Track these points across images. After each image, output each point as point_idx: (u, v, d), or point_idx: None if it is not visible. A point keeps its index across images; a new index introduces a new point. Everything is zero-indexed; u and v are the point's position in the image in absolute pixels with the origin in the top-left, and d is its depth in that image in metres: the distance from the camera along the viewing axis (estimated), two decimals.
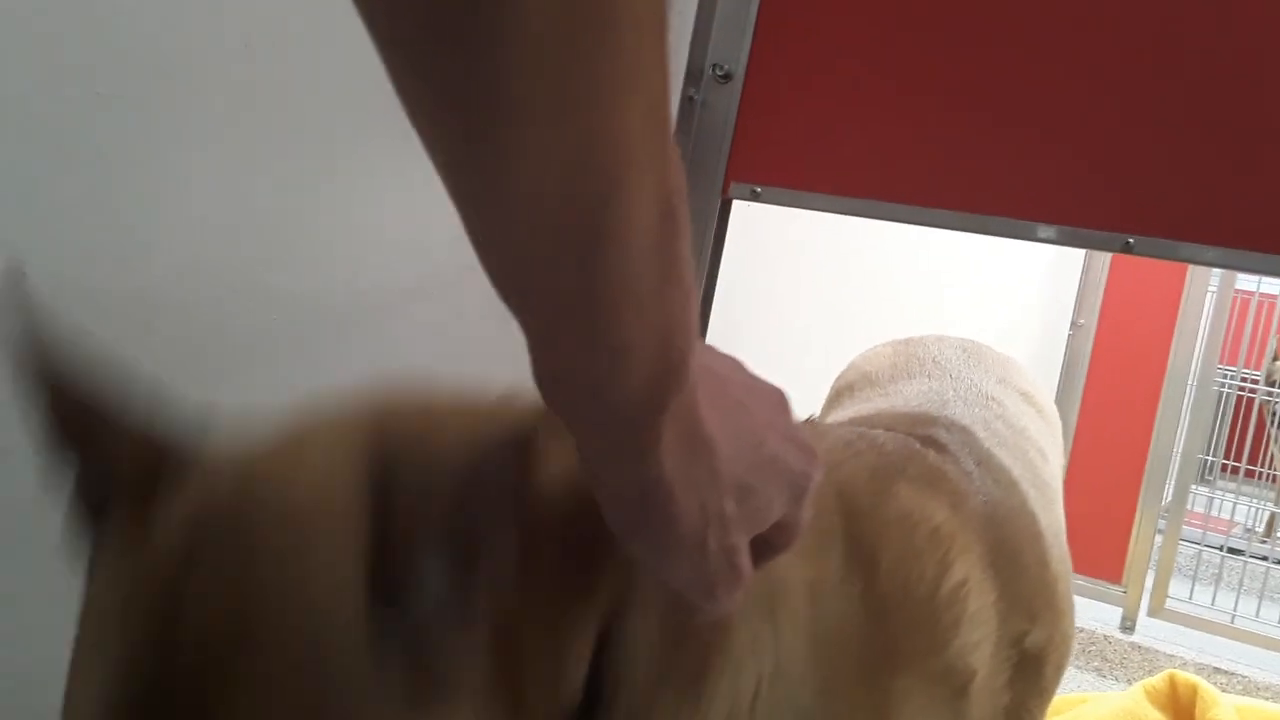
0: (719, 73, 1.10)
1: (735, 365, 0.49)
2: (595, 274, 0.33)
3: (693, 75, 1.11)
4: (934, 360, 1.00)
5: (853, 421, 0.87)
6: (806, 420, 0.74)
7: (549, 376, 0.37)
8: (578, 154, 0.30)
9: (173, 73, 0.63)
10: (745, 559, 0.43)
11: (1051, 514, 0.87)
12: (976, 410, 0.88)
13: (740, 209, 1.14)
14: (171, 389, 0.66)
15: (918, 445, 0.74)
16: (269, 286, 0.72)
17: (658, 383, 0.37)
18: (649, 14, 0.30)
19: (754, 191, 1.09)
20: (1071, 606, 0.80)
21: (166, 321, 0.65)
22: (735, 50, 1.10)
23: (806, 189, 1.06)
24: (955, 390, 0.92)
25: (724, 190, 1.11)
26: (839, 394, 1.09)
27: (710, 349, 0.47)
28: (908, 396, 0.93)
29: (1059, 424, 1.11)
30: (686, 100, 1.11)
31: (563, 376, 0.37)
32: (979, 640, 0.62)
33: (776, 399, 0.49)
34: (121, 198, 0.62)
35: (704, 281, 1.14)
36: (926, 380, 0.96)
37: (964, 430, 0.81)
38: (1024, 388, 1.03)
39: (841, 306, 1.64)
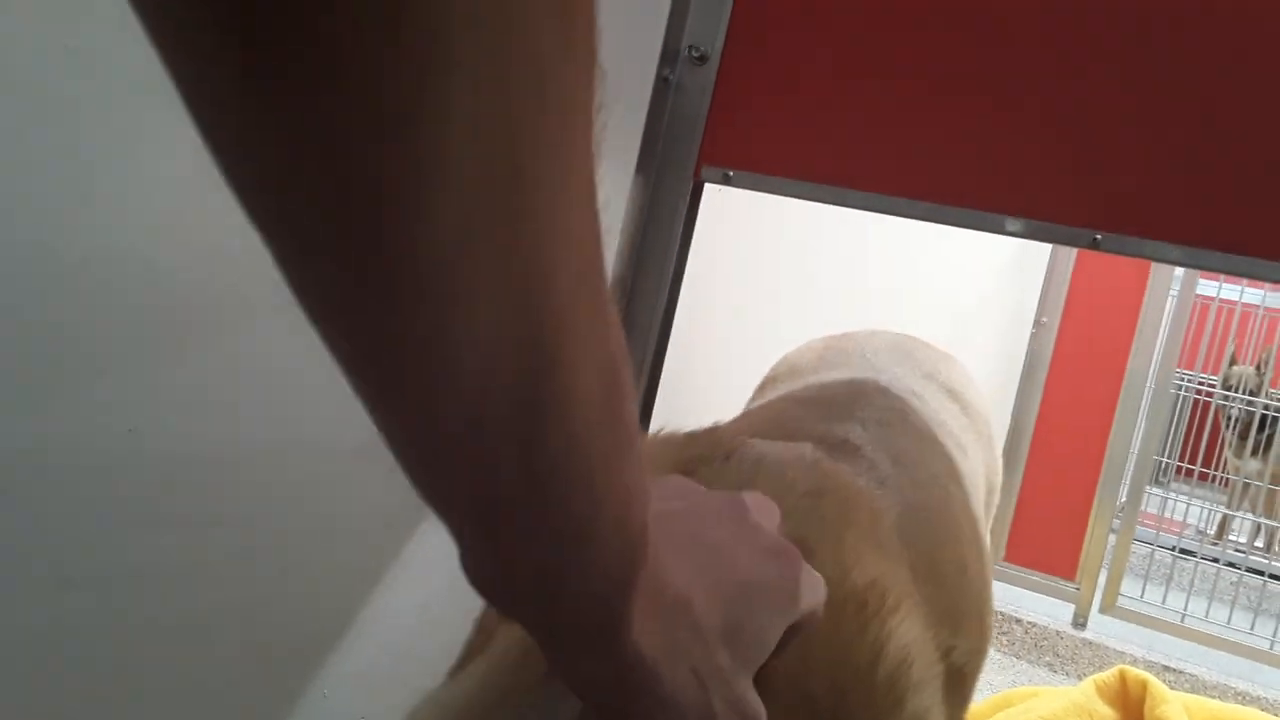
0: (694, 54, 1.09)
1: (679, 489, 0.47)
2: (539, 460, 0.30)
3: (668, 56, 1.11)
4: (861, 354, 1.01)
5: (765, 408, 0.86)
6: (709, 428, 0.68)
7: (493, 577, 0.34)
8: (510, 331, 0.27)
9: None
10: (755, 700, 0.41)
11: (969, 510, 0.83)
12: (895, 404, 0.86)
13: (711, 193, 1.13)
14: (141, 353, 0.65)
15: (825, 459, 0.66)
16: (243, 249, 0.71)
17: (621, 560, 0.34)
18: (577, 176, 0.27)
19: (726, 175, 1.08)
20: (990, 608, 0.77)
21: (136, 284, 0.64)
22: (711, 32, 1.09)
23: (778, 174, 1.05)
24: (876, 383, 0.91)
25: (696, 173, 1.10)
26: (764, 386, 1.09)
27: (653, 482, 0.42)
28: (827, 386, 0.92)
29: (989, 422, 1.10)
30: (661, 81, 1.11)
31: (510, 575, 0.33)
32: (927, 702, 0.56)
33: (732, 510, 0.46)
34: (91, 155, 0.61)
35: (673, 265, 1.13)
36: (850, 372, 0.95)
37: (880, 425, 0.79)
38: (952, 384, 1.03)
39: (808, 295, 1.64)
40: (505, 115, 0.24)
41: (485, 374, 0.27)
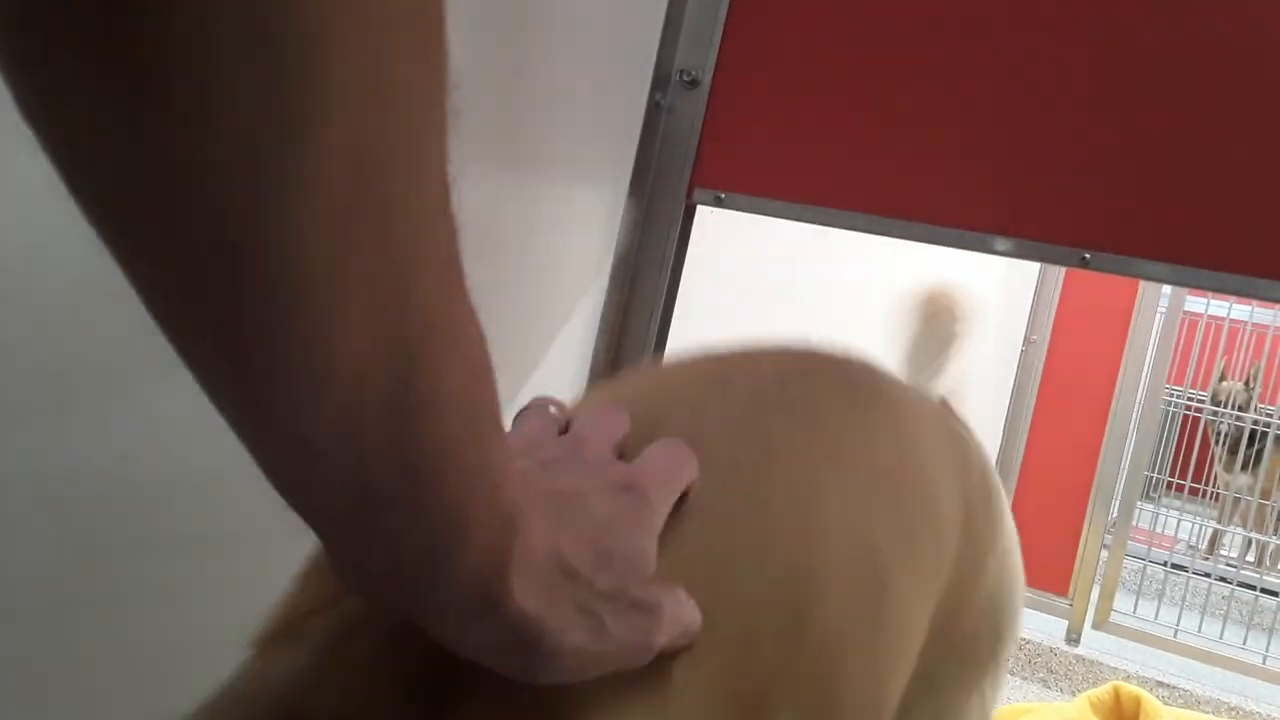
0: (686, 78, 1.11)
1: (523, 445, 0.47)
2: (411, 455, 0.30)
3: (660, 80, 1.12)
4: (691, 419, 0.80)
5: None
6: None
7: (369, 574, 0.35)
8: (380, 334, 0.28)
9: None
10: (654, 592, 0.41)
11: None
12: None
13: (703, 215, 1.14)
14: (141, 365, 0.65)
15: None
16: None
17: (496, 538, 0.35)
18: (435, 179, 0.29)
19: (718, 198, 1.09)
20: None
21: (126, 306, 0.65)
22: (702, 57, 1.10)
23: (769, 196, 1.06)
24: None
25: (688, 196, 1.11)
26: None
27: None
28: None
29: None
30: (653, 105, 1.12)
31: (388, 571, 0.34)
32: None
33: (572, 455, 0.46)
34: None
35: (665, 288, 1.14)
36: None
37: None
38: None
39: (800, 316, 1.65)
40: (372, 133, 0.25)
41: (356, 378, 0.28)
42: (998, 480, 0.79)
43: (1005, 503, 0.79)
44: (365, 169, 0.25)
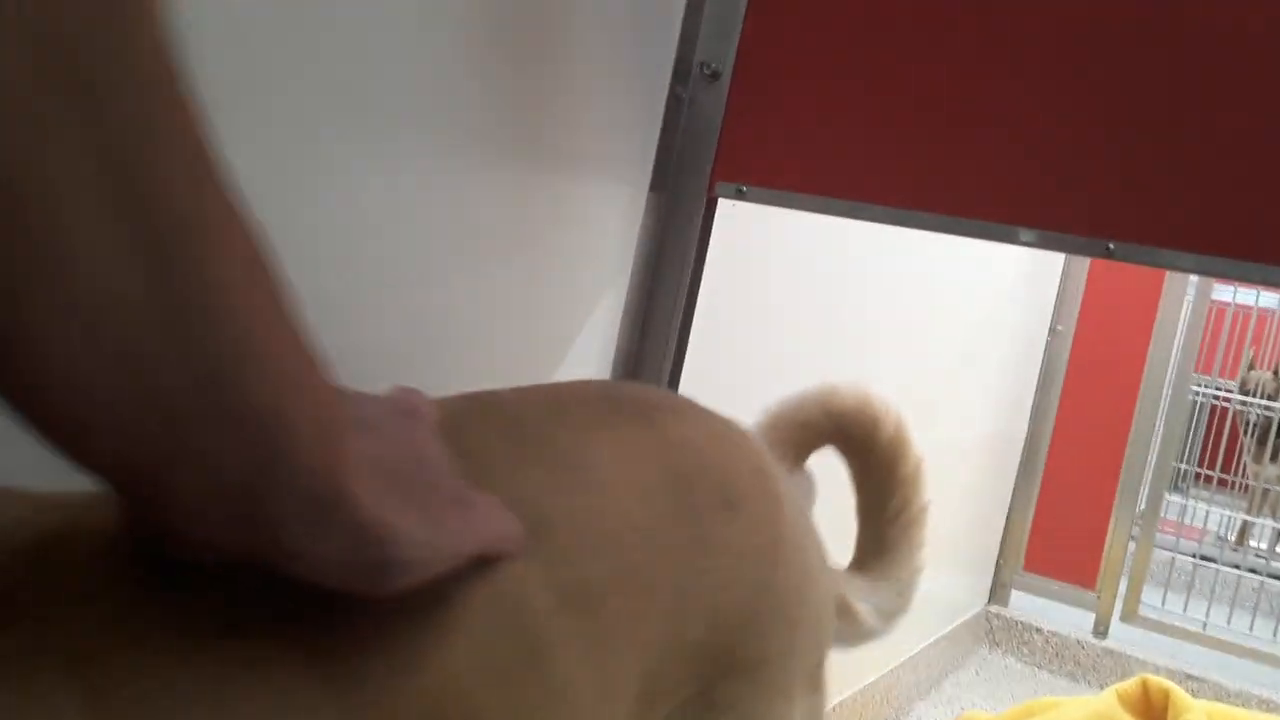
0: (706, 71, 1.10)
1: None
2: (196, 358, 0.30)
3: (680, 73, 1.12)
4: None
5: None
6: None
7: (193, 509, 0.33)
8: (117, 231, 0.27)
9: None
10: (465, 488, 0.44)
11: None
12: None
13: (725, 208, 1.14)
14: None
15: None
16: None
17: (323, 435, 0.35)
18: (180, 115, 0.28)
19: (740, 191, 1.09)
20: None
21: None
22: (723, 49, 1.10)
23: (791, 189, 1.06)
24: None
25: (709, 189, 1.11)
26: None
27: None
28: None
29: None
30: (674, 98, 1.12)
31: (207, 491, 0.33)
32: None
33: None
34: None
35: (689, 281, 1.14)
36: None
37: None
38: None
39: (824, 309, 1.65)
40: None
41: (109, 282, 0.27)
42: (753, 471, 0.74)
43: (768, 492, 0.74)
44: (51, 46, 0.25)
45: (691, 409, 0.75)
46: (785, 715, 0.73)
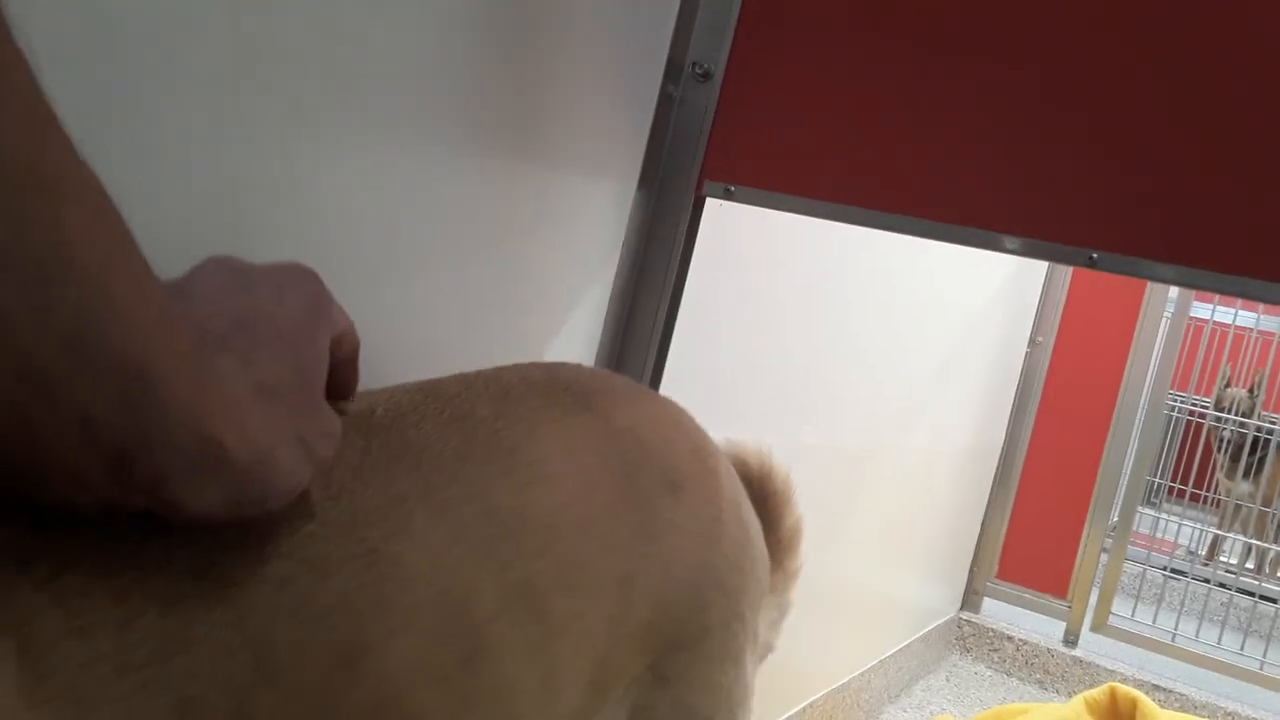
0: (698, 71, 1.11)
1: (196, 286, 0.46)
2: (57, 315, 0.30)
3: (672, 72, 1.12)
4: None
5: None
6: None
7: (75, 465, 0.33)
8: None
9: (156, 32, 0.63)
10: (331, 417, 0.44)
11: None
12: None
13: (712, 208, 1.15)
14: None
15: None
16: (242, 253, 0.72)
17: (192, 378, 0.35)
18: None
19: (727, 190, 1.10)
20: None
21: None
22: (715, 50, 1.11)
23: (779, 190, 1.07)
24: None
25: (697, 188, 1.12)
26: None
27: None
28: None
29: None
30: (665, 97, 1.12)
31: (80, 443, 0.33)
32: None
33: (241, 284, 0.47)
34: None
35: (674, 280, 1.14)
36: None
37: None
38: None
39: (807, 311, 1.65)
40: None
41: None
42: (693, 451, 0.76)
43: (707, 470, 0.77)
44: None
45: (631, 390, 0.77)
46: (736, 679, 0.76)
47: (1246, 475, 3.95)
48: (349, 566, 0.47)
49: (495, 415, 0.63)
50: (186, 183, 0.67)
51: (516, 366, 0.74)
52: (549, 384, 0.71)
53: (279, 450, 0.40)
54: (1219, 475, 4.16)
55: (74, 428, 0.32)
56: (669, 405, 0.80)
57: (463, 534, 0.54)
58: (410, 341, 0.88)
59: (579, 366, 0.78)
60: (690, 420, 0.80)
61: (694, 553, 0.71)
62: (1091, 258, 0.94)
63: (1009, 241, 0.97)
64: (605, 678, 0.64)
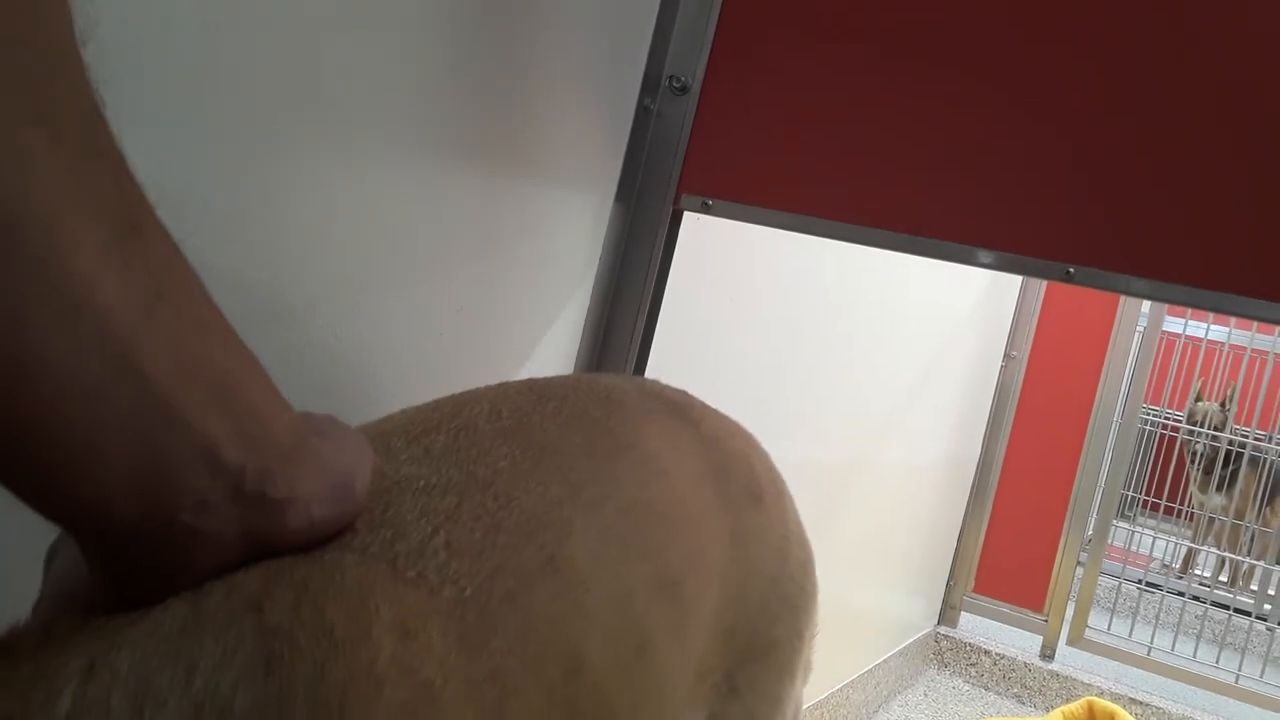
0: (675, 84, 1.11)
1: None
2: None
3: (649, 85, 1.12)
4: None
5: None
6: None
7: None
8: None
9: (135, 44, 0.62)
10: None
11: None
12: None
13: (690, 221, 1.14)
14: None
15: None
16: (217, 270, 0.71)
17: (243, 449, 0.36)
18: None
19: (705, 204, 1.10)
20: None
21: None
22: (692, 63, 1.11)
23: (756, 204, 1.07)
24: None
25: (675, 201, 1.11)
26: None
27: None
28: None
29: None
30: (642, 110, 1.12)
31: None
32: None
33: None
34: None
35: (651, 293, 1.14)
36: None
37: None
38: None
39: (783, 326, 1.65)
40: None
41: None
42: (766, 467, 0.80)
43: (778, 487, 0.80)
44: None
45: (707, 406, 0.80)
46: (790, 695, 0.79)
47: (1220, 488, 3.98)
48: (544, 575, 0.48)
49: (606, 415, 0.65)
50: (161, 196, 0.66)
51: (600, 374, 0.78)
52: (639, 391, 0.74)
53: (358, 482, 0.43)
54: (1192, 489, 4.19)
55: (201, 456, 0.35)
56: (742, 426, 0.83)
57: (610, 531, 0.55)
58: (386, 355, 0.88)
59: (655, 380, 0.81)
60: (759, 443, 0.83)
61: (769, 565, 0.74)
62: (1068, 272, 0.94)
63: (985, 256, 0.98)
64: (703, 670, 0.66)
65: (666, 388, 0.79)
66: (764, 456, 0.81)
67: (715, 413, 0.80)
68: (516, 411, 0.60)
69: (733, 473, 0.73)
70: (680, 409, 0.75)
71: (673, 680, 0.57)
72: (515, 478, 0.53)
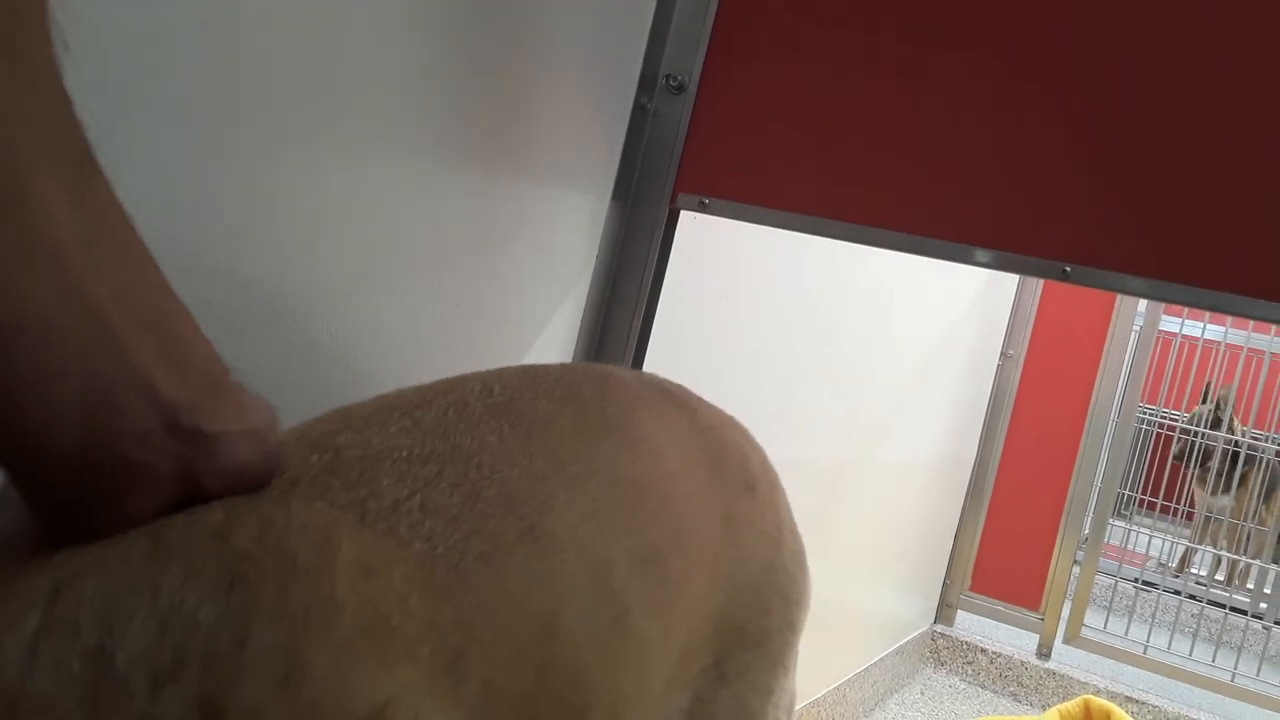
0: (672, 83, 1.11)
1: None
2: None
3: (645, 84, 1.12)
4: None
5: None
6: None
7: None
8: None
9: (132, 44, 0.62)
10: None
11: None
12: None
13: (686, 221, 1.14)
14: None
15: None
16: (212, 269, 0.71)
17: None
18: None
19: (702, 203, 1.10)
20: None
21: None
22: (689, 62, 1.11)
23: (753, 203, 1.07)
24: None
25: (672, 200, 1.11)
26: None
27: None
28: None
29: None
30: (639, 109, 1.12)
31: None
32: None
33: None
34: None
35: (647, 292, 1.14)
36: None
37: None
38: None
39: (779, 325, 1.65)
40: None
41: None
42: (761, 460, 0.81)
43: (772, 480, 0.81)
44: None
45: (703, 401, 0.81)
46: (782, 687, 0.79)
47: (1227, 490, 3.97)
48: (522, 543, 0.50)
49: (600, 396, 0.67)
50: (159, 196, 0.66)
51: (597, 364, 0.80)
52: (636, 379, 0.76)
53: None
54: (1194, 488, 4.19)
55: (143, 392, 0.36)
56: (737, 420, 0.84)
57: (595, 505, 0.57)
58: (384, 352, 0.88)
59: (654, 374, 0.82)
60: (753, 437, 0.84)
61: (763, 554, 0.75)
62: (1065, 270, 0.94)
63: (981, 254, 0.98)
64: (688, 653, 0.66)
65: (666, 381, 0.80)
66: (758, 449, 0.82)
67: (711, 405, 0.81)
68: (509, 389, 0.61)
69: (727, 461, 0.74)
70: (677, 397, 0.77)
71: (654, 654, 0.58)
72: (501, 451, 0.54)
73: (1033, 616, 3.10)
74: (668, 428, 0.70)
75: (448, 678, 0.41)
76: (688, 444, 0.71)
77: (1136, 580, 3.48)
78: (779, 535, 0.78)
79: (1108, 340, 3.06)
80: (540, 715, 0.47)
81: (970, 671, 3.04)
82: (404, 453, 0.50)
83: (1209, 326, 3.55)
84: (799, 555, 0.81)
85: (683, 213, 1.13)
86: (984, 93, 0.98)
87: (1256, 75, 0.88)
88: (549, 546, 0.51)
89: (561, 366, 0.71)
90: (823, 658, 2.19)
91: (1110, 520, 3.23)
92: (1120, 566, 3.51)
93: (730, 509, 0.72)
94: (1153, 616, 3.21)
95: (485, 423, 0.55)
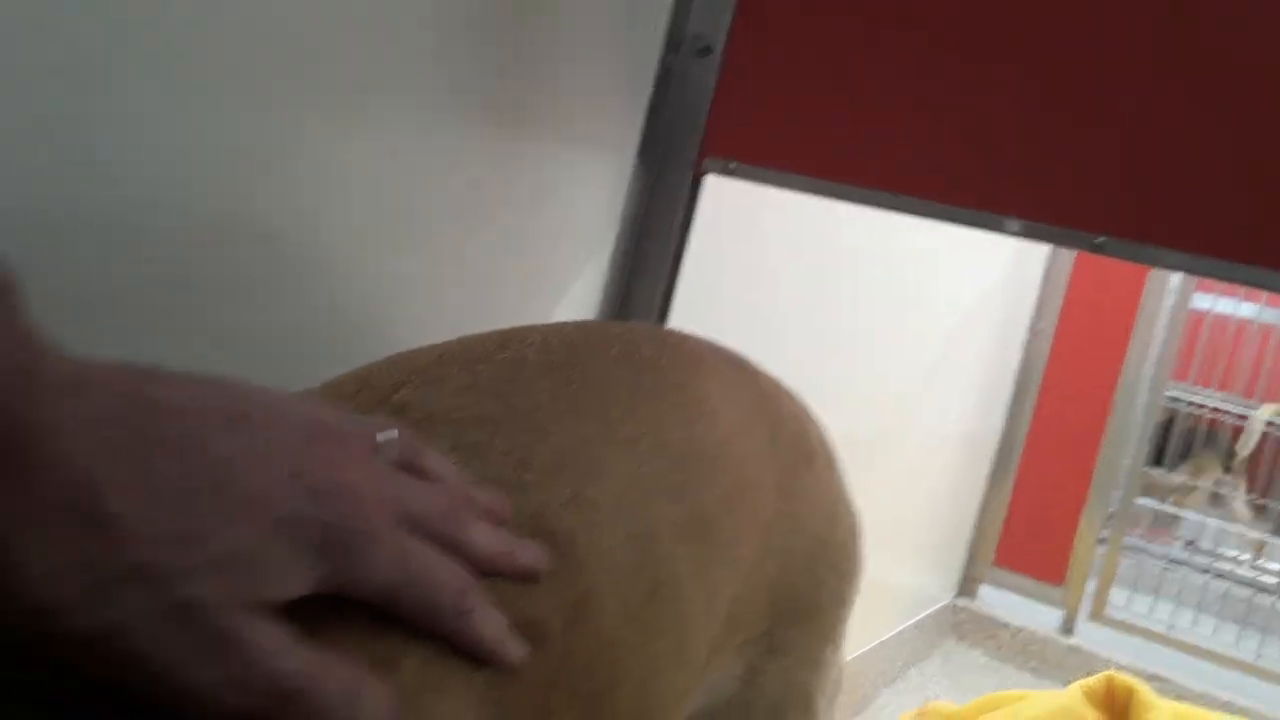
0: (698, 45, 1.09)
1: (235, 393, 0.38)
2: None
3: (672, 45, 1.10)
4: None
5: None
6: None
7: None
8: None
9: (125, 6, 0.62)
10: (255, 634, 0.33)
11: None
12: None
13: (712, 185, 1.13)
14: (133, 320, 0.65)
15: None
16: (225, 239, 0.71)
17: None
18: None
19: (728, 167, 1.08)
20: None
21: (128, 250, 0.64)
22: (716, 23, 1.09)
23: (781, 168, 1.05)
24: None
25: (697, 164, 1.10)
26: None
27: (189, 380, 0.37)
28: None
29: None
30: (664, 71, 1.10)
31: None
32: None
33: (292, 429, 0.38)
34: (89, 120, 0.60)
35: (672, 256, 1.13)
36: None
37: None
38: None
39: (805, 292, 1.64)
40: None
41: None
42: (819, 434, 0.80)
43: (830, 455, 0.80)
44: None
45: (764, 370, 0.80)
46: (831, 661, 0.78)
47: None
48: (564, 515, 0.49)
49: (658, 355, 0.65)
50: (168, 162, 0.65)
51: (658, 326, 0.78)
52: (697, 341, 0.74)
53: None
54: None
55: None
56: (795, 394, 0.83)
57: (640, 470, 0.56)
58: (403, 320, 0.87)
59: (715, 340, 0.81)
60: (812, 410, 0.83)
61: (818, 526, 0.74)
62: (1096, 242, 0.92)
63: (1012, 224, 0.96)
64: (737, 619, 0.65)
65: (727, 348, 0.79)
66: (817, 423, 0.81)
67: (769, 376, 0.80)
68: (569, 345, 0.60)
69: (786, 429, 0.74)
70: (740, 363, 0.76)
71: (698, 619, 0.57)
72: (553, 413, 0.53)
73: (1057, 592, 3.09)
74: (728, 391, 0.69)
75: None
76: (748, 408, 0.70)
77: (1163, 558, 3.45)
78: (836, 509, 0.77)
79: (1138, 316, 3.03)
80: (554, 702, 0.46)
81: (992, 645, 3.03)
82: (456, 414, 0.50)
83: (1243, 304, 3.50)
84: (855, 532, 0.81)
85: (708, 178, 1.12)
86: (1019, 59, 0.96)
87: None
88: (590, 519, 0.50)
89: (623, 325, 0.72)
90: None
91: (1137, 498, 3.21)
92: (1147, 544, 3.48)
93: (786, 478, 0.71)
94: (1178, 595, 3.18)
95: (539, 380, 0.55)
